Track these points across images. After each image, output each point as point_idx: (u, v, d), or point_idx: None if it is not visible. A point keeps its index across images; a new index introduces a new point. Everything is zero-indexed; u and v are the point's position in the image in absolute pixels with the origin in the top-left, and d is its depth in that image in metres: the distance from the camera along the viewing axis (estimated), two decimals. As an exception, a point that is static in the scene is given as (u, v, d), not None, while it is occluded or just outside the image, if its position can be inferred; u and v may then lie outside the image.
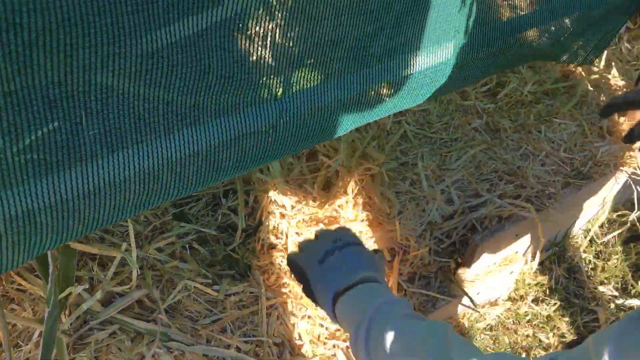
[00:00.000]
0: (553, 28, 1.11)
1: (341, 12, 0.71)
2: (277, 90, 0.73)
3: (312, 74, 0.77)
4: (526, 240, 1.51)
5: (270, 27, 0.67)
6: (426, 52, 0.87)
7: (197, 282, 1.22)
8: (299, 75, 0.75)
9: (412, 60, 0.85)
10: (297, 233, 1.32)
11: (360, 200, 1.38)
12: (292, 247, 1.32)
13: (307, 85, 0.76)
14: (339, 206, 1.37)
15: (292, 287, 1.28)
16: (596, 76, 1.87)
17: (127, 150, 0.60)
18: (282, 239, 1.33)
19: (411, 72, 0.86)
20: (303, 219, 1.34)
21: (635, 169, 1.63)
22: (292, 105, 0.73)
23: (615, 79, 1.89)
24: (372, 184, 1.40)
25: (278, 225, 1.33)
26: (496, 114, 1.69)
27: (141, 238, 1.27)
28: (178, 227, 1.31)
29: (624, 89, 1.84)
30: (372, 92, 0.85)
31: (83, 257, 1.19)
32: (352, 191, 1.37)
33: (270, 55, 0.70)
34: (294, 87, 0.75)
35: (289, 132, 0.76)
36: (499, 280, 1.52)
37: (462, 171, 1.48)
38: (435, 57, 0.89)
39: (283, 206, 1.35)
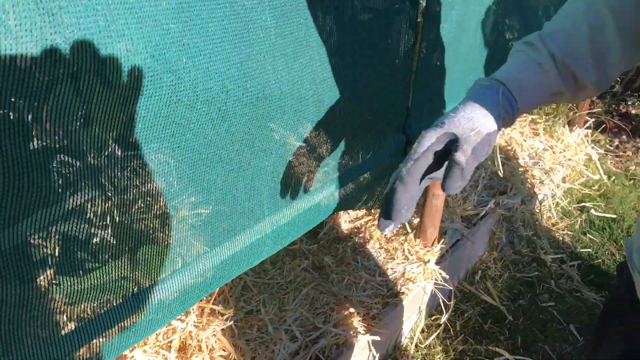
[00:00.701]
0: (351, 185, 1.44)
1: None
2: (126, 290, 0.90)
3: (146, 272, 0.95)
4: (363, 359, 1.75)
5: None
6: (247, 230, 1.10)
7: None
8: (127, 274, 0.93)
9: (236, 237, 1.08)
10: (161, 399, 1.42)
11: (216, 355, 1.52)
12: (158, 413, 1.40)
13: (151, 281, 0.94)
14: (197, 364, 1.50)
15: None
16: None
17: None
18: (147, 407, 1.41)
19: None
20: (165, 384, 1.45)
21: (435, 279, 2.00)
22: (136, 306, 0.90)
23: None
24: (224, 337, 1.56)
25: (141, 394, 1.41)
26: (320, 252, 1.98)
27: None
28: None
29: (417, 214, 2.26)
30: (209, 274, 1.05)
31: None
32: (207, 347, 1.52)
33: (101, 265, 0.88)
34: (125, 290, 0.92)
35: (142, 316, 0.92)
36: (348, 399, 1.72)
37: (300, 309, 1.71)
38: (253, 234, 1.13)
39: (144, 375, 1.44)
